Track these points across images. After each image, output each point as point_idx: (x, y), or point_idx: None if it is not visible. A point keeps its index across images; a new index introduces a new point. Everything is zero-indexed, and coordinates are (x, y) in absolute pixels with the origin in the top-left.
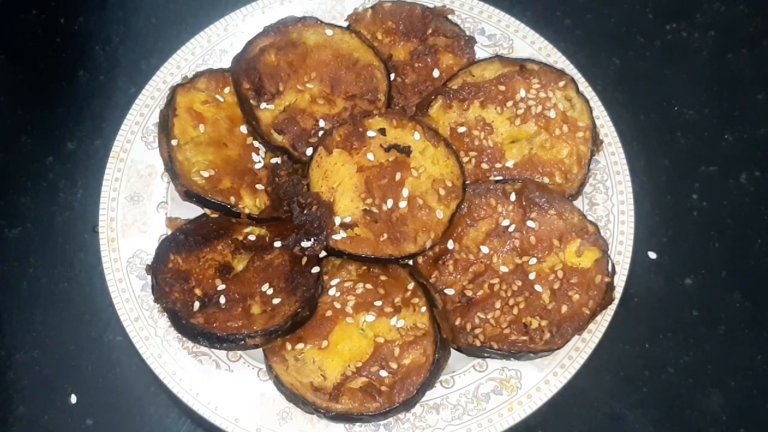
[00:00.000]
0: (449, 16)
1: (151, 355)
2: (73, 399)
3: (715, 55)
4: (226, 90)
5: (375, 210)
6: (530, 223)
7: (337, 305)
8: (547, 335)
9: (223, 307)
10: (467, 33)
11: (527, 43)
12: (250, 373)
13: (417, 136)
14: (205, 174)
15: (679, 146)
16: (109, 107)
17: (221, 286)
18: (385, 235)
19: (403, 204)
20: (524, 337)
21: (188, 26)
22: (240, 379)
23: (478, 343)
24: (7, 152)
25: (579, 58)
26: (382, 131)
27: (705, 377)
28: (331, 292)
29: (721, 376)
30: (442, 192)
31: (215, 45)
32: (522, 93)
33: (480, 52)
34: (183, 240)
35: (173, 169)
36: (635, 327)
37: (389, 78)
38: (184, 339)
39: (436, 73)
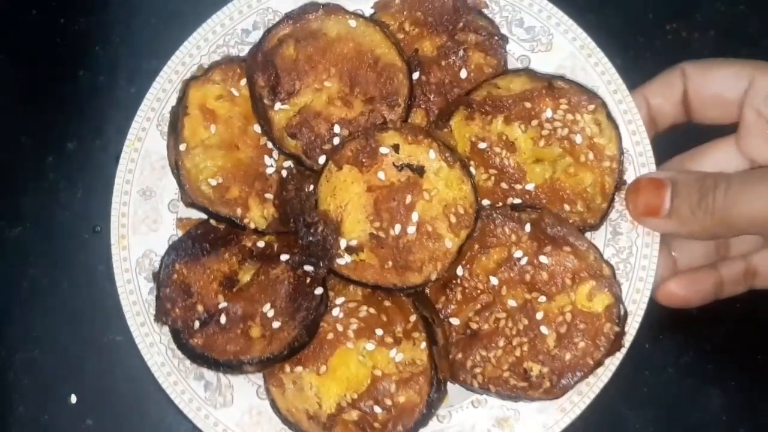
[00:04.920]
0: (483, 11)
1: (155, 363)
2: (73, 399)
3: (715, 55)
4: (243, 82)
5: (382, 234)
6: (543, 258)
7: (340, 328)
8: (547, 384)
9: (224, 326)
10: (503, 26)
11: (568, 39)
12: (249, 390)
13: (432, 154)
14: (213, 182)
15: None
16: (110, 107)
17: (223, 304)
18: (390, 263)
19: (411, 230)
20: (523, 383)
21: (189, 24)
22: (240, 396)
23: (476, 385)
24: (7, 152)
25: None
26: (396, 147)
27: (705, 377)
28: (335, 311)
29: (721, 376)
30: (453, 219)
31: (237, 24)
32: (548, 113)
33: (515, 47)
34: (190, 247)
35: (179, 179)
36: None
37: (411, 81)
38: None
39: (463, 74)
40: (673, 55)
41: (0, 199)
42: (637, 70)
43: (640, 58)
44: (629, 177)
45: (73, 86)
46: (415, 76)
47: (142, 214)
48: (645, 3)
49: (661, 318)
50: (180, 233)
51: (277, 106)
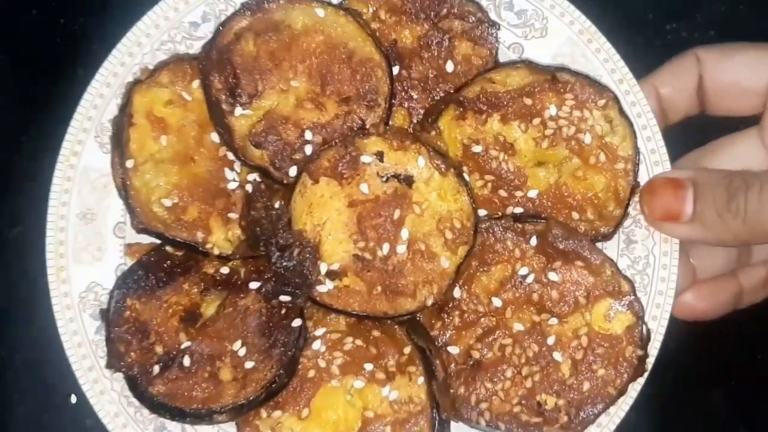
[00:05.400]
0: None
1: (108, 413)
2: (73, 399)
3: None
4: (195, 84)
5: (368, 256)
6: (552, 275)
7: (322, 363)
8: (564, 418)
9: (188, 369)
10: (490, 10)
11: (565, 22)
12: None
13: (421, 161)
14: (168, 203)
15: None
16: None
17: (186, 343)
18: (379, 288)
19: (401, 249)
20: (537, 419)
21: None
22: None
23: (483, 423)
24: (7, 152)
25: None
26: (380, 155)
27: (705, 377)
28: (315, 345)
29: (721, 376)
30: (448, 235)
31: (184, 16)
32: (552, 110)
33: (506, 35)
34: (143, 278)
35: (128, 201)
36: None
37: (392, 76)
38: None
39: (449, 66)
40: (673, 55)
41: (0, 200)
42: (637, 70)
43: (640, 58)
44: (642, 178)
45: (73, 86)
46: (395, 71)
47: (83, 241)
48: (645, 3)
49: None
50: (129, 262)
51: (238, 111)
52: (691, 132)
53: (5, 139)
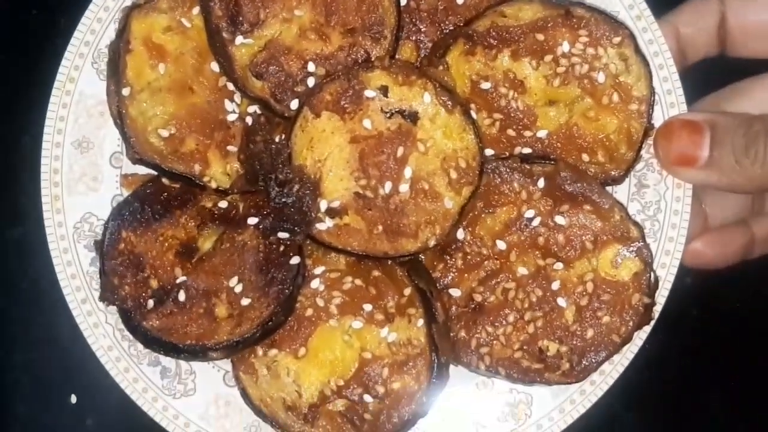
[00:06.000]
0: None
1: (101, 347)
2: (73, 399)
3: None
4: (195, 11)
5: (369, 194)
6: (559, 219)
7: (320, 302)
8: (566, 365)
9: (183, 305)
10: None
11: None
12: (215, 376)
13: (427, 97)
14: (165, 133)
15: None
16: None
17: (182, 278)
18: (380, 227)
19: (404, 188)
20: (538, 365)
21: None
22: (203, 384)
23: (482, 367)
24: (7, 152)
25: None
26: (384, 90)
27: (705, 377)
28: (314, 283)
29: (721, 376)
30: (453, 174)
31: None
32: (565, 47)
33: None
34: (139, 210)
35: (123, 130)
36: None
37: (399, 8)
38: None
39: None
40: None
41: (0, 200)
42: (656, 8)
43: None
44: (656, 120)
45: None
46: (403, 1)
47: (79, 171)
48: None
49: (661, 318)
50: (126, 193)
51: (239, 40)
52: (710, 74)
53: (5, 139)
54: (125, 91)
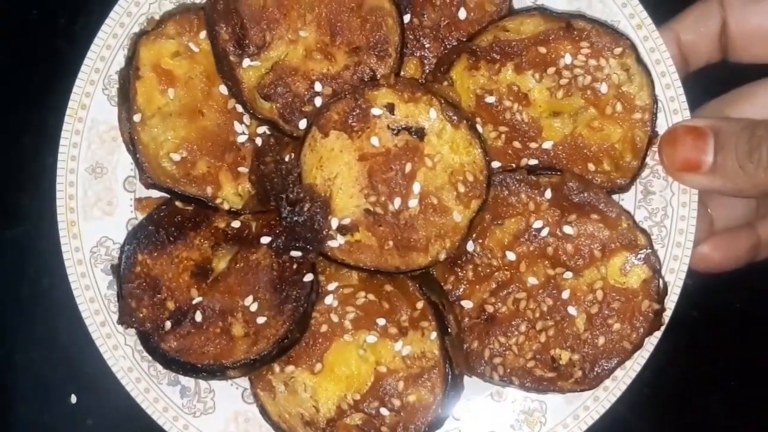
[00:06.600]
0: None
1: (121, 368)
2: (73, 399)
3: None
4: (202, 35)
5: (379, 210)
6: (567, 228)
7: (335, 318)
8: (579, 373)
9: (200, 325)
10: None
11: None
12: (234, 393)
13: (433, 113)
14: (176, 157)
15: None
16: None
17: (198, 298)
18: (391, 242)
19: (413, 203)
20: (551, 374)
21: None
22: (222, 401)
23: (496, 377)
24: (7, 152)
25: None
26: (390, 107)
27: (705, 377)
28: (328, 300)
29: (721, 377)
30: (461, 188)
31: None
32: (567, 59)
33: None
34: (153, 233)
35: (136, 156)
36: None
37: (402, 26)
38: None
39: (462, 14)
40: None
41: (0, 199)
42: (657, 17)
43: (660, 3)
44: (660, 127)
45: (74, 86)
46: (406, 19)
47: (93, 196)
48: (645, 3)
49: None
50: (140, 216)
51: (246, 62)
52: (713, 79)
53: (5, 139)
54: (136, 118)
